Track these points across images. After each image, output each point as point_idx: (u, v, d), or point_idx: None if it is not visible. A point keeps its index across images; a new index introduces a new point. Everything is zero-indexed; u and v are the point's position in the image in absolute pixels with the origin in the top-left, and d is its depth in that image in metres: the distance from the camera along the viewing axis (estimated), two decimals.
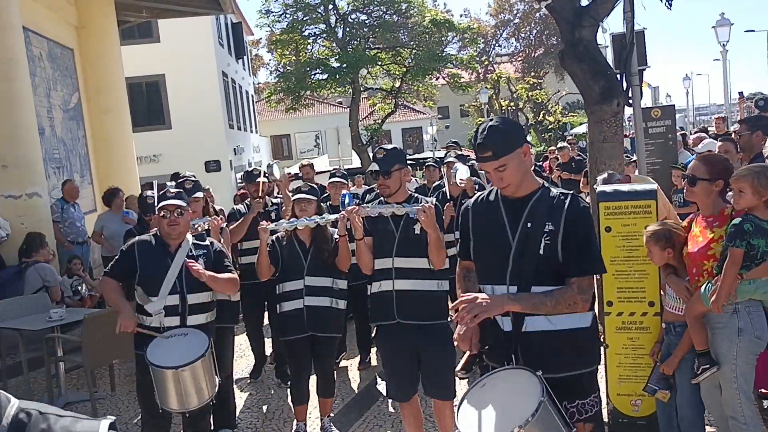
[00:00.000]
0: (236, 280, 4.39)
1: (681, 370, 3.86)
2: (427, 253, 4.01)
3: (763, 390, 4.60)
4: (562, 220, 2.71)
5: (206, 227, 4.95)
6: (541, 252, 2.70)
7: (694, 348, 3.73)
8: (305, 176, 8.67)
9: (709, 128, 15.57)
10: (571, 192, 2.84)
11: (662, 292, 4.13)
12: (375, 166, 4.18)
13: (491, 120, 2.80)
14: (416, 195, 4.30)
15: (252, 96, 32.76)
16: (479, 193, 3.05)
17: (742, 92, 14.54)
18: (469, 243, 2.96)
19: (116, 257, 4.34)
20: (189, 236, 4.36)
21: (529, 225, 2.74)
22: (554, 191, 2.82)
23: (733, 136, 6.38)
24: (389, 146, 4.37)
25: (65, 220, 9.15)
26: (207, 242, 4.43)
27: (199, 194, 5.35)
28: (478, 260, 2.96)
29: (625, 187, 4.40)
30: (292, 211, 4.95)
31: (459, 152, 8.08)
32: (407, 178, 4.32)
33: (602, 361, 3.98)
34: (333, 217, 4.65)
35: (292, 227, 4.63)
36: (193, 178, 5.57)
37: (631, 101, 6.76)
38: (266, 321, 6.97)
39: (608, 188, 4.39)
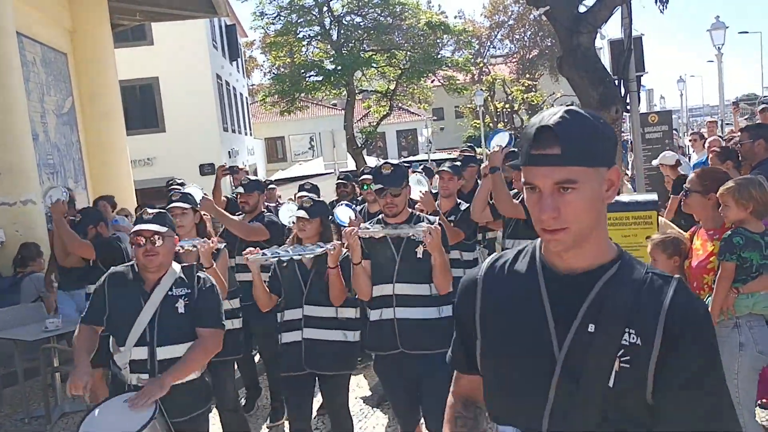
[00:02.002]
0: (216, 338, 3.42)
1: None
2: (429, 279, 3.77)
3: (765, 400, 4.59)
4: (659, 327, 1.43)
5: (191, 248, 4.17)
6: (612, 384, 1.44)
7: None
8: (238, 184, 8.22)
9: (698, 129, 15.60)
10: (678, 277, 1.53)
11: None
12: (380, 184, 3.85)
13: (572, 106, 1.57)
14: (417, 213, 4.07)
15: (246, 98, 32.70)
16: (500, 255, 1.72)
17: (737, 101, 14.56)
18: (473, 347, 1.69)
19: (90, 299, 3.56)
20: (176, 267, 3.51)
21: (591, 327, 1.47)
22: (640, 267, 1.53)
23: (731, 144, 6.36)
24: (394, 161, 4.21)
25: None
26: (196, 277, 3.52)
27: (184, 205, 4.60)
28: (491, 382, 1.66)
29: (625, 198, 4.38)
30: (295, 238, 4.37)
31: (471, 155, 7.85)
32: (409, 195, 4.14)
33: None
34: (319, 250, 3.98)
35: (275, 258, 4.05)
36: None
37: (629, 107, 6.77)
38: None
39: None
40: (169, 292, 3.39)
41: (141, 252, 3.34)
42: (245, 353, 5.73)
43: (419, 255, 3.72)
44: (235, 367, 5.27)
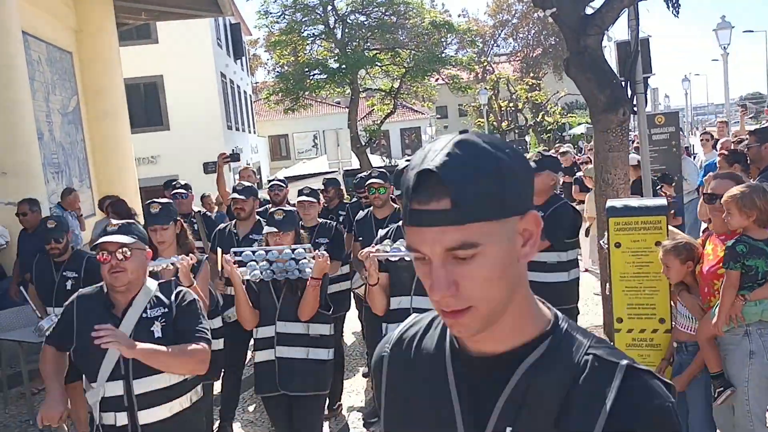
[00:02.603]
0: (202, 355, 2.91)
1: (694, 390, 3.81)
2: None
3: None
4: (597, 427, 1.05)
5: (165, 267, 3.71)
6: None
7: (705, 368, 3.68)
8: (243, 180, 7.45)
9: (708, 129, 15.54)
10: (626, 363, 1.09)
11: (673, 309, 4.09)
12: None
13: (465, 134, 1.09)
14: None
15: (250, 96, 32.70)
16: (415, 321, 1.34)
17: (744, 103, 14.50)
18: None
19: (58, 318, 3.15)
20: (151, 284, 3.03)
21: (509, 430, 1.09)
22: (578, 345, 1.12)
23: (740, 147, 6.33)
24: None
25: None
26: (173, 294, 3.02)
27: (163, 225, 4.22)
28: None
29: (635, 203, 4.35)
30: (266, 241, 4.03)
31: None
32: None
33: None
34: (309, 258, 3.82)
35: (265, 275, 3.84)
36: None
37: (636, 109, 6.73)
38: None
39: (618, 203, 4.34)
40: (144, 314, 2.91)
41: (106, 269, 2.85)
42: (233, 384, 5.46)
43: None
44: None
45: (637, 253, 4.14)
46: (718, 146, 8.12)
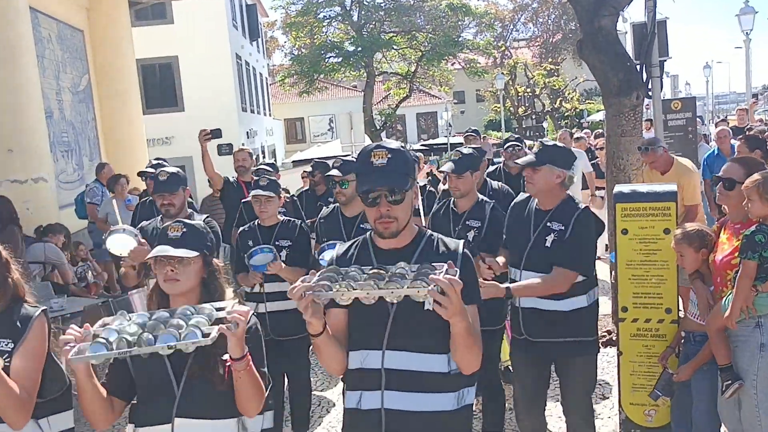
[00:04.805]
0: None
1: (698, 382, 3.68)
2: (445, 347, 2.30)
3: None
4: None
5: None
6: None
7: (712, 360, 3.55)
8: (238, 166, 7.14)
9: (728, 117, 15.27)
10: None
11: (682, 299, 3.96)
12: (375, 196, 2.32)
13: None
14: (429, 232, 2.50)
15: (266, 78, 32.58)
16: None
17: (756, 95, 14.21)
18: None
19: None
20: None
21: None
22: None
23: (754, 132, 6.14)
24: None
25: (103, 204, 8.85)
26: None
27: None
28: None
29: (643, 188, 4.21)
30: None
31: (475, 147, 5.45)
32: (415, 200, 2.48)
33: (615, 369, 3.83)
34: (200, 334, 2.15)
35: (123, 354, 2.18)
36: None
37: (650, 93, 6.55)
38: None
39: (626, 188, 4.19)
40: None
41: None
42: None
43: (428, 307, 2.04)
44: None
45: (644, 240, 3.99)
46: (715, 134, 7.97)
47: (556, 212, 3.67)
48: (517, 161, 4.06)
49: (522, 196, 3.99)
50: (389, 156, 2.32)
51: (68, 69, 10.94)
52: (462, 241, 2.46)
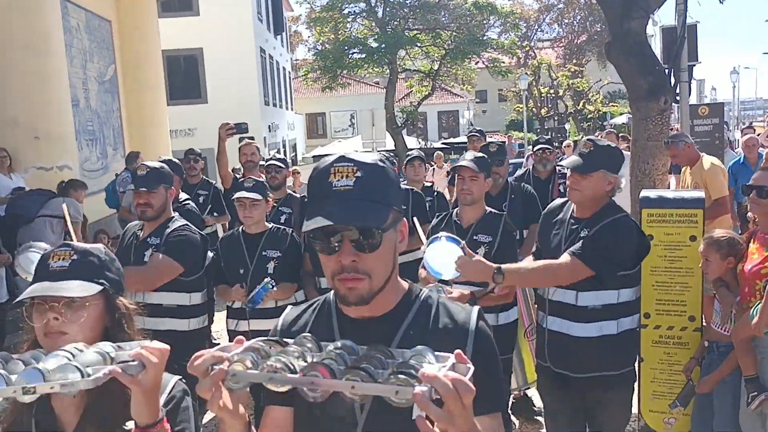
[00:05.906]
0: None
1: (721, 393, 3.63)
2: None
3: None
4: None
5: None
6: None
7: (737, 370, 3.50)
8: (245, 161, 6.47)
9: (753, 123, 15.06)
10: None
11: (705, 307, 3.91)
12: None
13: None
14: (423, 293, 1.61)
15: (289, 73, 32.65)
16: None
17: None
18: None
19: None
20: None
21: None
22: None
23: None
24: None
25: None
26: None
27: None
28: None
29: (670, 194, 4.16)
30: None
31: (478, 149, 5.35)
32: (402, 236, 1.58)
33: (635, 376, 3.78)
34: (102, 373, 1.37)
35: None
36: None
37: (678, 98, 6.49)
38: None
39: (652, 194, 4.15)
40: None
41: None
42: None
43: (417, 414, 1.15)
44: None
45: (669, 246, 3.95)
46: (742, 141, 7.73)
47: (592, 220, 3.22)
48: (561, 163, 3.82)
49: (557, 201, 3.59)
50: (358, 174, 1.44)
51: (95, 59, 11.02)
52: (476, 309, 1.56)
